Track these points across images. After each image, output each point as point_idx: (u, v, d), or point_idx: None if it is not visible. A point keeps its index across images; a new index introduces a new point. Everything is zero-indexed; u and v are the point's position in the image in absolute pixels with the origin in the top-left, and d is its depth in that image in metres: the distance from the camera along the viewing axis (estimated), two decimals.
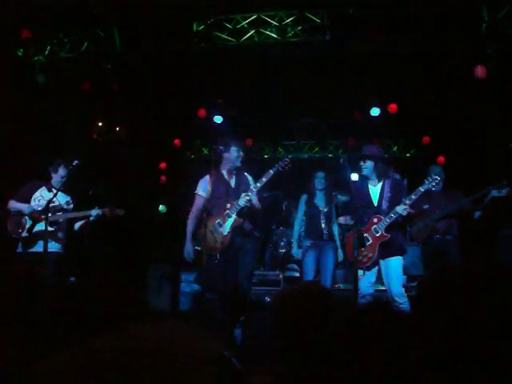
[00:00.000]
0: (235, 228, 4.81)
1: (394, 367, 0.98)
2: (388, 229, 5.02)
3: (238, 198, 4.86)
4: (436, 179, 4.92)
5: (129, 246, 7.82)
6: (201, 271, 5.28)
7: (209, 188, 4.91)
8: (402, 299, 4.86)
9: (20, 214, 5.43)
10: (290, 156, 4.99)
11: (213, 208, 4.81)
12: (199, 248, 4.81)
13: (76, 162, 5.22)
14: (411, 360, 1.00)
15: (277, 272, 7.34)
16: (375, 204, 5.19)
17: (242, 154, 4.99)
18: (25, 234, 5.33)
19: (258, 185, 4.85)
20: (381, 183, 5.24)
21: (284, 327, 1.93)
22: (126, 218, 6.21)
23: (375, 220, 5.10)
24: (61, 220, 5.62)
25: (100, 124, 7.58)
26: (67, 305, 1.40)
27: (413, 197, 4.91)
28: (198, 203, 4.98)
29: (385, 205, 5.11)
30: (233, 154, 4.93)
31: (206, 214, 4.77)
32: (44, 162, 6.61)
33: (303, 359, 1.04)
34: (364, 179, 5.31)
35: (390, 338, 1.02)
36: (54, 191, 5.41)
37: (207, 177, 5.01)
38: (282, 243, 7.91)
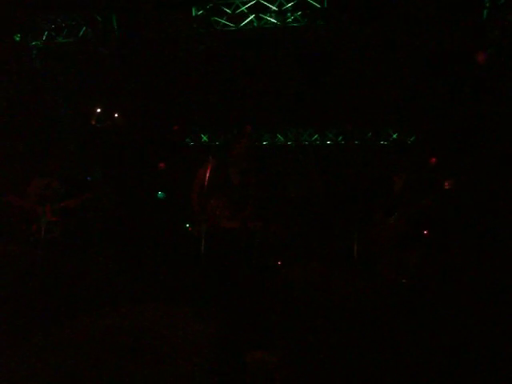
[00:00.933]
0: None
1: None
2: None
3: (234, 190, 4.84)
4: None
5: (126, 233, 7.80)
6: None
7: (210, 169, 4.86)
8: None
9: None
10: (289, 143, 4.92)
11: (212, 193, 4.76)
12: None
13: (72, 147, 5.20)
14: None
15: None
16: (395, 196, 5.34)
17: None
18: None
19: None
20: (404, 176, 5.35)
21: None
22: (124, 204, 6.21)
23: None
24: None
25: (98, 110, 7.55)
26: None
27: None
28: (200, 183, 4.92)
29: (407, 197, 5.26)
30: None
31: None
32: (41, 149, 6.61)
33: None
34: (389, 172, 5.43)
35: None
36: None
37: (209, 158, 4.97)
38: None
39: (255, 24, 6.50)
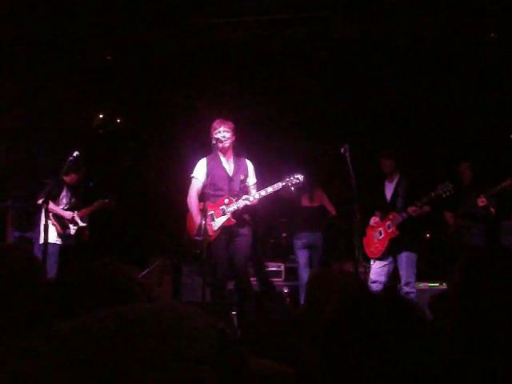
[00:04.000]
0: (225, 227, 4.71)
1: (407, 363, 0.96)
2: (400, 226, 5.15)
3: (234, 187, 4.78)
4: (448, 186, 5.01)
5: (129, 238, 7.81)
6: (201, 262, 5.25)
7: (205, 172, 4.81)
8: (410, 289, 5.11)
9: (59, 217, 5.75)
10: (300, 176, 4.87)
11: (209, 196, 4.66)
12: (199, 238, 4.74)
13: (76, 153, 5.22)
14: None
15: (278, 263, 7.33)
16: (388, 200, 5.33)
17: (227, 134, 4.78)
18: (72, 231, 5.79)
19: (263, 193, 4.72)
20: (396, 179, 5.35)
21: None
22: (126, 208, 6.22)
23: (391, 216, 5.32)
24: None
25: (101, 116, 7.57)
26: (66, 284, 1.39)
27: (424, 200, 5.05)
28: (196, 186, 4.85)
29: (400, 202, 5.24)
30: (218, 135, 4.76)
31: (202, 202, 4.68)
32: (44, 155, 6.63)
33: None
34: (381, 175, 5.47)
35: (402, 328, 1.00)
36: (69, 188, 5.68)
37: (204, 159, 4.92)
38: (284, 234, 7.88)
39: None
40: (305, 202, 6.50)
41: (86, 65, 6.86)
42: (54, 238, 5.58)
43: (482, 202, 5.56)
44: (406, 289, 5.15)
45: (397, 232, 5.20)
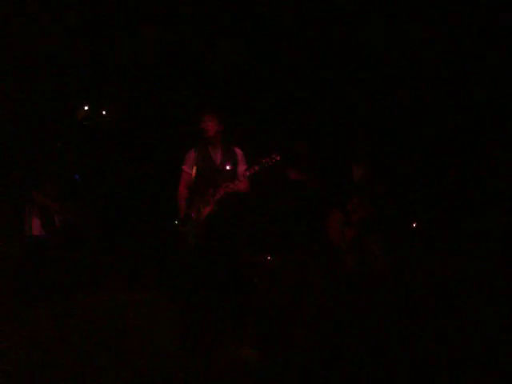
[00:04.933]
0: (211, 217, 4.66)
1: None
2: None
3: (222, 178, 4.74)
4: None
5: (117, 232, 7.77)
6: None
7: (194, 163, 4.77)
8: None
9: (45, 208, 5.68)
10: (276, 156, 4.77)
11: (198, 188, 4.66)
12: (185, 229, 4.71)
13: (59, 145, 5.19)
14: None
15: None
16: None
17: (211, 123, 4.72)
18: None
19: (241, 178, 4.65)
20: None
21: None
22: (115, 203, 6.19)
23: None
24: None
25: (86, 108, 7.49)
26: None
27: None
28: (184, 178, 4.83)
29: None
30: (203, 125, 4.72)
31: (191, 194, 4.66)
32: (28, 146, 6.57)
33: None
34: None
35: None
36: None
37: (192, 150, 4.88)
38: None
39: None
40: None
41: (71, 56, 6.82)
42: (38, 230, 5.56)
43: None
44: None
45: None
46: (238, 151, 4.89)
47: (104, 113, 7.59)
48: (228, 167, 4.77)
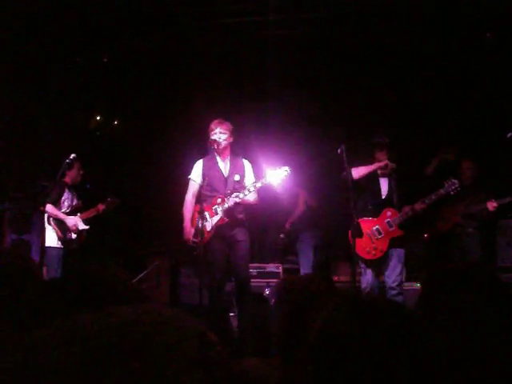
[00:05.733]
0: (219, 227, 4.68)
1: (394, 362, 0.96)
2: (402, 225, 5.04)
3: (229, 188, 4.76)
4: (455, 183, 4.95)
5: (127, 239, 7.81)
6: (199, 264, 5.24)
7: (201, 173, 4.81)
8: (397, 289, 4.94)
9: (60, 221, 5.60)
10: (288, 169, 4.81)
11: (206, 198, 4.68)
12: (197, 240, 4.74)
13: (73, 155, 5.23)
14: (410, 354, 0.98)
15: (276, 264, 7.32)
16: (383, 196, 5.17)
17: (223, 135, 4.77)
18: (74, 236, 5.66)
19: (252, 189, 4.67)
20: (390, 175, 5.23)
21: (289, 311, 1.88)
22: (125, 210, 6.20)
23: (389, 213, 5.08)
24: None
25: (98, 118, 7.55)
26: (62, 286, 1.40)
27: (433, 197, 4.96)
28: (192, 189, 4.86)
29: (396, 198, 5.11)
30: (215, 136, 4.76)
31: (199, 204, 4.68)
32: (41, 156, 6.61)
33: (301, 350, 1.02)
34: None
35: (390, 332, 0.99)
36: (71, 190, 5.64)
37: (200, 161, 4.92)
38: (282, 235, 7.87)
39: None
40: (310, 202, 6.53)
41: (83, 67, 6.88)
42: (54, 242, 5.52)
43: (493, 207, 5.55)
44: (395, 289, 4.96)
45: (400, 231, 5.01)
46: (247, 163, 4.94)
47: (115, 123, 7.65)
48: (236, 178, 4.82)
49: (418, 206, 4.99)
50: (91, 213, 5.90)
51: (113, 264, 1.39)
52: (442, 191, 5.00)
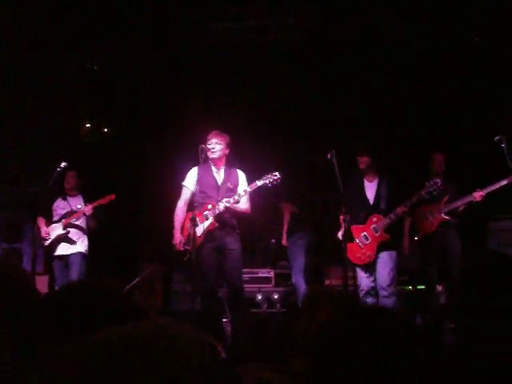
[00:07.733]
0: (210, 232, 4.73)
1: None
2: (387, 229, 5.05)
3: (221, 195, 4.81)
4: (437, 183, 4.91)
5: (119, 245, 7.78)
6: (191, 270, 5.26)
7: (195, 181, 4.86)
8: (388, 290, 4.95)
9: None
10: (278, 174, 4.86)
11: (198, 205, 4.72)
12: (188, 247, 4.78)
13: (64, 163, 5.23)
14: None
15: (268, 269, 7.34)
16: (371, 202, 5.19)
17: (218, 146, 4.84)
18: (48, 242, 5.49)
19: (242, 193, 4.74)
20: (377, 180, 5.24)
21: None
22: (116, 217, 6.18)
23: (374, 219, 5.11)
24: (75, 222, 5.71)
25: (88, 125, 7.54)
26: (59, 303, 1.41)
27: (413, 199, 4.94)
28: (185, 196, 4.92)
29: (383, 204, 5.13)
30: (209, 146, 4.82)
31: (191, 211, 4.72)
32: (31, 164, 6.59)
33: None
34: (359, 175, 5.29)
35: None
36: (67, 198, 5.55)
37: (195, 168, 4.97)
38: (273, 240, 7.88)
39: None
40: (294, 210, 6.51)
41: (72, 75, 6.88)
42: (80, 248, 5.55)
43: (480, 196, 5.18)
44: (386, 289, 4.96)
45: (386, 235, 5.03)
46: (241, 173, 5.02)
47: (105, 130, 7.64)
48: (230, 186, 4.87)
49: (400, 210, 4.98)
50: (96, 203, 5.74)
51: (108, 279, 1.40)
52: (422, 192, 4.96)
